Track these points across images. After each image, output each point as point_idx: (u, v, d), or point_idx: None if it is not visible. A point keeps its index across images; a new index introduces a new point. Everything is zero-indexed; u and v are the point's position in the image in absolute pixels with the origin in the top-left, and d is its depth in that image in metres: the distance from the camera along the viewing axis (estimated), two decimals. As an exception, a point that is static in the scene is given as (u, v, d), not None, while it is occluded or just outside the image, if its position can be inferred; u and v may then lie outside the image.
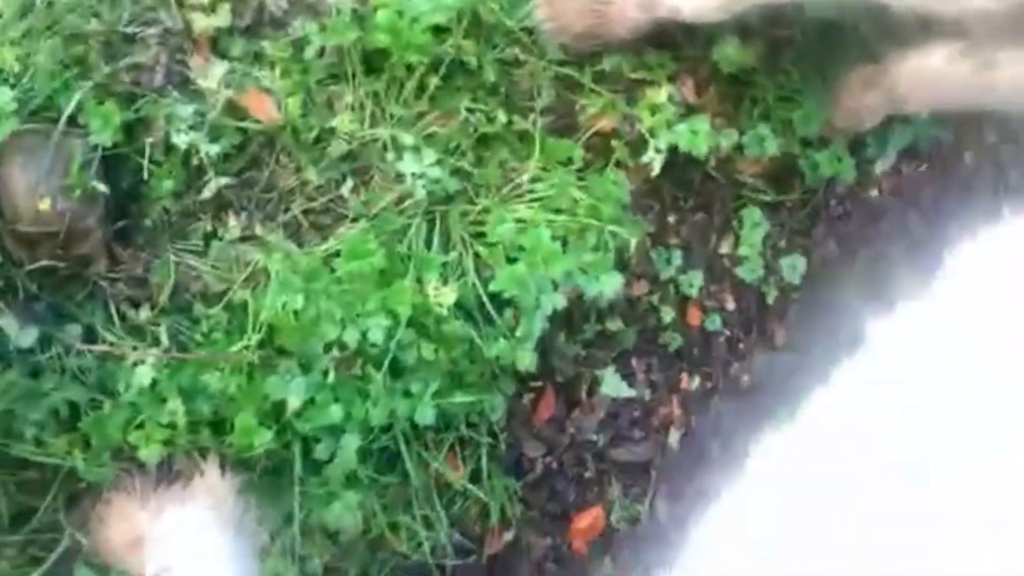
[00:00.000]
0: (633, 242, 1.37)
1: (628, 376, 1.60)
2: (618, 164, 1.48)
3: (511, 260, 1.38)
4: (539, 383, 1.56)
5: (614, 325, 1.57)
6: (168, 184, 1.21)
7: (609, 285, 1.35)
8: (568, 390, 1.59)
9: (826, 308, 1.67)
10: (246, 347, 1.31)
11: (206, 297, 1.34)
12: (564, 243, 1.36)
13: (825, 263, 1.66)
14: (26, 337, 1.20)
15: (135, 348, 1.27)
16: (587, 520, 1.63)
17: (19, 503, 1.26)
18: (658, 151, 1.47)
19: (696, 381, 1.65)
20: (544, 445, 1.59)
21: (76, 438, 1.23)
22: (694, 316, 1.63)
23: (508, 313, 1.37)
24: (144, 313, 1.30)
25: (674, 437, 1.65)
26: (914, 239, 1.73)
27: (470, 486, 1.46)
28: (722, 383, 1.66)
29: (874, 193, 1.70)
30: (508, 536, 1.59)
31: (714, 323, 1.64)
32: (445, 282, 1.38)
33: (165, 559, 1.15)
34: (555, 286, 1.34)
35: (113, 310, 1.28)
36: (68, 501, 1.28)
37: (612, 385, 1.59)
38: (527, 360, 1.37)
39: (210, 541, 1.17)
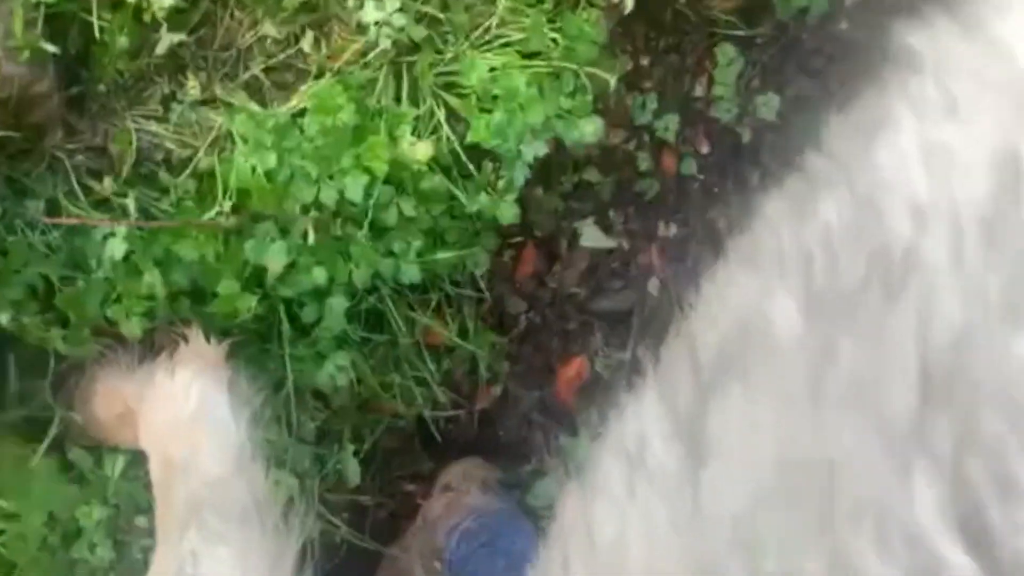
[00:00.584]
0: (612, 81, 1.33)
1: (606, 227, 1.60)
2: (590, 3, 1.43)
3: (485, 111, 1.34)
4: (519, 239, 1.55)
5: (591, 176, 1.55)
6: (121, 42, 1.13)
7: (589, 130, 1.31)
8: (548, 244, 1.58)
9: (800, 147, 1.66)
10: (219, 213, 1.27)
11: (171, 164, 1.28)
12: (540, 89, 1.32)
13: (798, 101, 1.65)
14: (-14, 214, 1.14)
15: (102, 220, 1.22)
16: (572, 370, 1.65)
17: (17, 386, 1.24)
18: (632, -12, 1.41)
19: (673, 228, 1.65)
20: (526, 300, 1.59)
21: (54, 317, 1.20)
22: (669, 162, 1.62)
23: (487, 166, 1.34)
24: (108, 184, 1.24)
25: (653, 284, 1.66)
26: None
27: (459, 341, 1.46)
28: (699, 229, 1.66)
29: (844, 26, 1.67)
30: (496, 390, 1.61)
31: (689, 168, 1.62)
32: (419, 137, 1.34)
33: (158, 425, 1.14)
34: (534, 134, 1.30)
35: (75, 182, 1.22)
36: (55, 381, 1.25)
37: (591, 237, 1.58)
38: (510, 213, 1.35)
39: (204, 402, 1.15)
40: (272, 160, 1.19)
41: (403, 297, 1.41)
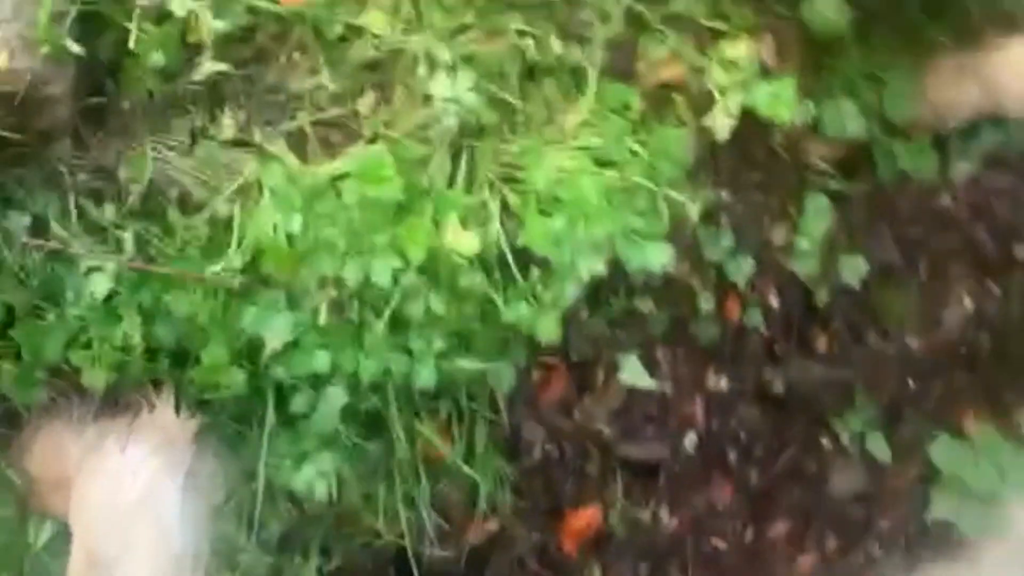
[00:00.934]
0: (694, 210, 1.18)
1: (650, 366, 1.42)
2: (680, 121, 1.29)
3: (545, 214, 1.18)
4: (551, 359, 1.37)
5: (645, 305, 1.38)
6: (156, 58, 1.00)
7: (656, 258, 1.15)
8: (582, 371, 1.40)
9: (877, 322, 1.50)
10: (225, 269, 1.11)
11: (185, 204, 1.13)
12: (610, 202, 1.16)
13: (883, 269, 1.48)
14: (-40, 219, 0.99)
15: (92, 251, 1.06)
16: (583, 519, 1.45)
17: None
18: (727, 113, 1.27)
19: (723, 381, 1.47)
20: (546, 429, 1.40)
21: (7, 349, 1.03)
22: (733, 308, 1.45)
23: (534, 274, 1.18)
24: (109, 211, 1.09)
25: (690, 440, 1.46)
26: (979, 257, 1.55)
27: (461, 464, 1.27)
28: (751, 388, 1.48)
29: (946, 201, 1.52)
30: (492, 526, 1.40)
31: (753, 319, 1.45)
32: (466, 227, 1.18)
33: (92, 505, 0.95)
34: (594, 249, 1.14)
35: (71, 203, 1.07)
36: (-8, 421, 1.07)
37: (632, 373, 1.40)
38: (550, 330, 1.17)
39: (152, 489, 0.97)
40: (298, 222, 1.03)
41: (409, 402, 1.23)
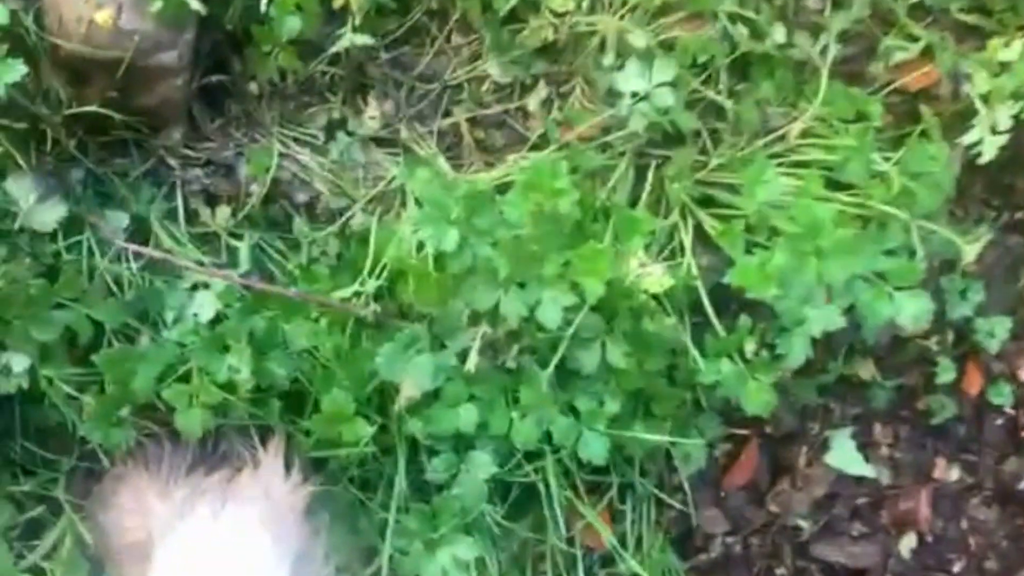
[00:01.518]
0: (971, 252, 0.89)
1: (867, 447, 1.12)
2: (923, 136, 1.01)
3: (758, 247, 0.92)
4: (742, 432, 1.10)
5: (866, 371, 1.09)
6: (292, 24, 0.80)
7: (910, 311, 0.87)
8: (780, 450, 1.12)
9: None
10: (357, 295, 0.89)
11: (313, 212, 0.93)
12: (853, 235, 0.89)
13: None
14: (46, 214, 0.80)
15: (201, 264, 0.86)
16: (765, 633, 1.16)
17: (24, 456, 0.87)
18: (994, 130, 0.98)
19: (954, 472, 1.16)
20: (730, 519, 1.12)
21: (89, 380, 0.83)
22: (975, 380, 1.14)
23: (744, 325, 0.91)
24: (223, 216, 0.89)
25: (907, 543, 1.15)
26: None
27: (626, 556, 1.00)
28: (989, 482, 1.16)
29: None
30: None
31: (1000, 395, 1.14)
32: (655, 258, 0.94)
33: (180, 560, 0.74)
34: (830, 296, 0.87)
35: (180, 203, 0.88)
36: (73, 467, 0.88)
37: (843, 455, 1.11)
38: (762, 400, 0.90)
39: (250, 565, 0.74)
40: (452, 240, 0.80)
41: (566, 475, 0.97)
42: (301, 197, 0.91)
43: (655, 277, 0.90)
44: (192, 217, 0.89)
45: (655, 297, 0.90)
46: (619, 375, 0.90)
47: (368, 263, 0.91)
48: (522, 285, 0.85)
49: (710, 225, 0.97)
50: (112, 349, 0.82)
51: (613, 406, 0.90)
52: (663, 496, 1.01)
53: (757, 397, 0.90)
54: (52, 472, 0.85)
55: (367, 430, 0.83)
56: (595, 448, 0.89)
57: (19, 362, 0.79)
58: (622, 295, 0.89)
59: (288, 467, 0.85)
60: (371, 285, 0.90)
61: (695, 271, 0.95)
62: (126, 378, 0.82)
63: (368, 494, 0.89)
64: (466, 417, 0.86)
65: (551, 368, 0.87)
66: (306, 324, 0.87)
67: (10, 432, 0.83)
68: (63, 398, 0.82)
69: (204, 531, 0.77)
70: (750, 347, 0.92)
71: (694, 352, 0.90)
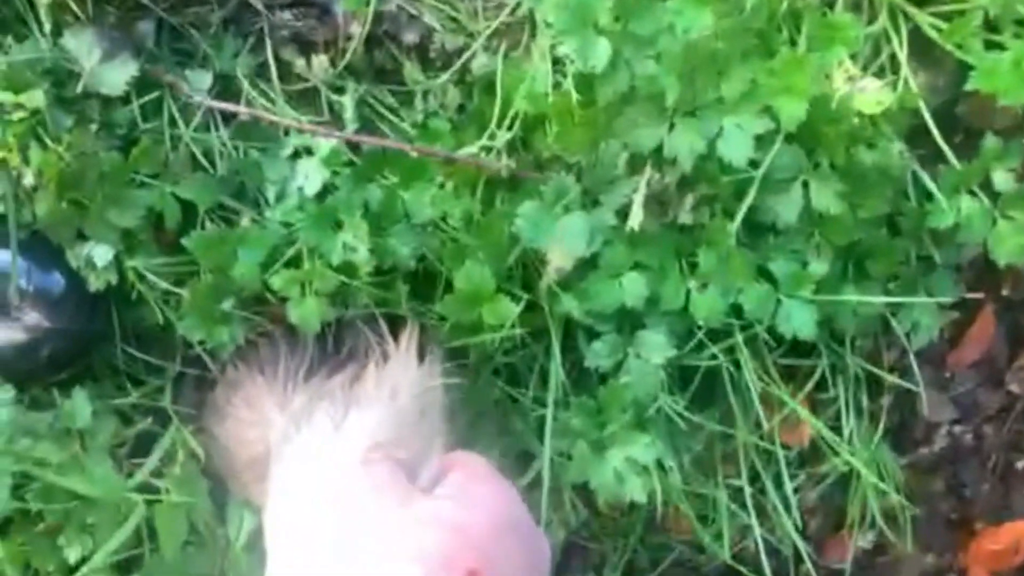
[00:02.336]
0: None
1: None
2: None
3: (990, 47, 0.69)
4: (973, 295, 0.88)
5: None
6: None
7: None
8: (1022, 316, 0.89)
9: None
10: (486, 149, 0.73)
11: (426, 55, 0.76)
12: None
13: None
14: (114, 74, 0.67)
15: (298, 124, 0.72)
16: (1003, 538, 0.95)
17: (127, 363, 0.76)
18: None
19: None
20: (958, 405, 0.91)
21: (187, 268, 0.71)
22: None
23: (988, 150, 0.69)
24: (319, 67, 0.74)
25: None
26: None
27: (838, 448, 0.82)
28: None
29: None
30: (866, 541, 0.94)
31: None
32: (864, 69, 0.72)
33: (293, 506, 0.62)
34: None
35: (269, 54, 0.73)
36: (179, 375, 0.77)
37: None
38: (1017, 245, 0.68)
39: (375, 480, 0.60)
40: (602, 54, 0.62)
41: (756, 356, 0.79)
42: (410, 37, 0.74)
43: (870, 93, 0.69)
44: (285, 72, 0.74)
45: (873, 120, 0.69)
46: (827, 225, 0.70)
47: (496, 112, 0.74)
48: (695, 113, 0.66)
49: (930, 25, 0.74)
50: (206, 231, 0.69)
51: (820, 267, 0.71)
52: (885, 375, 0.81)
53: (1010, 241, 0.69)
54: (158, 380, 0.74)
55: (512, 309, 0.67)
56: (800, 320, 0.70)
57: (102, 254, 0.67)
58: (828, 119, 0.68)
59: (421, 357, 0.71)
60: (501, 138, 0.73)
61: (915, 89, 0.73)
62: (226, 265, 0.69)
63: (519, 389, 0.74)
64: (631, 289, 0.69)
65: (738, 221, 0.68)
66: (430, 190, 0.72)
67: (109, 337, 0.72)
68: (157, 294, 0.70)
69: (323, 444, 0.64)
70: (1000, 176, 0.70)
71: (930, 185, 0.69)
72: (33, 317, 0.66)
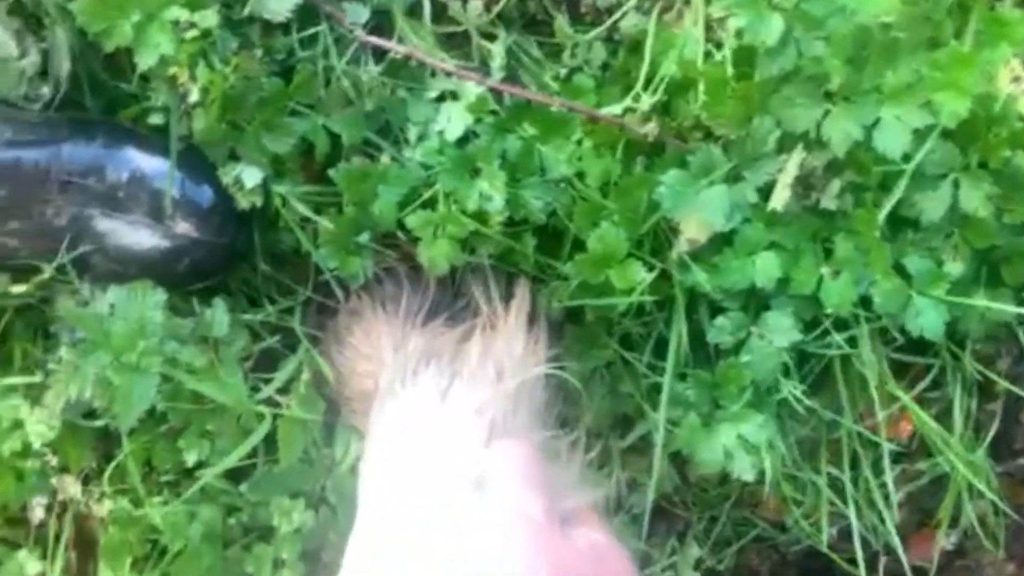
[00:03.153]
0: None
1: None
2: None
3: None
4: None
5: None
6: None
7: None
8: None
9: None
10: (629, 110, 0.72)
11: (577, 10, 0.75)
12: None
13: None
14: (278, 1, 0.68)
15: (447, 67, 0.72)
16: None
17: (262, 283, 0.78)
18: None
19: None
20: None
21: (328, 199, 0.73)
22: None
23: None
24: (474, 11, 0.74)
25: None
26: None
27: (947, 449, 0.81)
28: None
29: None
30: (949, 543, 0.94)
31: None
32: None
33: (393, 446, 0.63)
34: None
35: (426, -9, 0.74)
36: (307, 300, 0.79)
37: None
38: None
39: (467, 461, 0.61)
40: (775, 30, 0.61)
41: (875, 348, 0.78)
42: (564, -17, 0.74)
43: (1036, 95, 0.67)
44: (438, 13, 0.74)
45: (1032, 123, 0.67)
46: (969, 227, 0.69)
47: (642, 74, 0.73)
48: (852, 100, 0.64)
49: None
50: (352, 164, 0.70)
51: (955, 267, 0.70)
52: (1001, 382, 0.80)
53: None
54: (288, 301, 0.76)
55: (642, 275, 0.67)
56: (929, 319, 0.69)
57: (252, 176, 0.69)
58: (989, 120, 0.66)
59: (532, 314, 0.72)
60: (646, 101, 0.72)
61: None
62: (366, 199, 0.70)
63: (634, 354, 0.74)
64: (764, 269, 0.68)
65: (884, 212, 0.67)
66: (568, 146, 0.72)
67: (247, 256, 0.75)
68: (298, 220, 0.72)
69: (425, 410, 0.65)
70: None
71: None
72: (183, 227, 0.68)
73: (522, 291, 0.72)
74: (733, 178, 0.68)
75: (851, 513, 0.78)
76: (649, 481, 0.83)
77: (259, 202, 0.70)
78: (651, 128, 0.68)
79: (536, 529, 0.53)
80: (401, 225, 0.72)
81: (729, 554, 0.89)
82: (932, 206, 0.68)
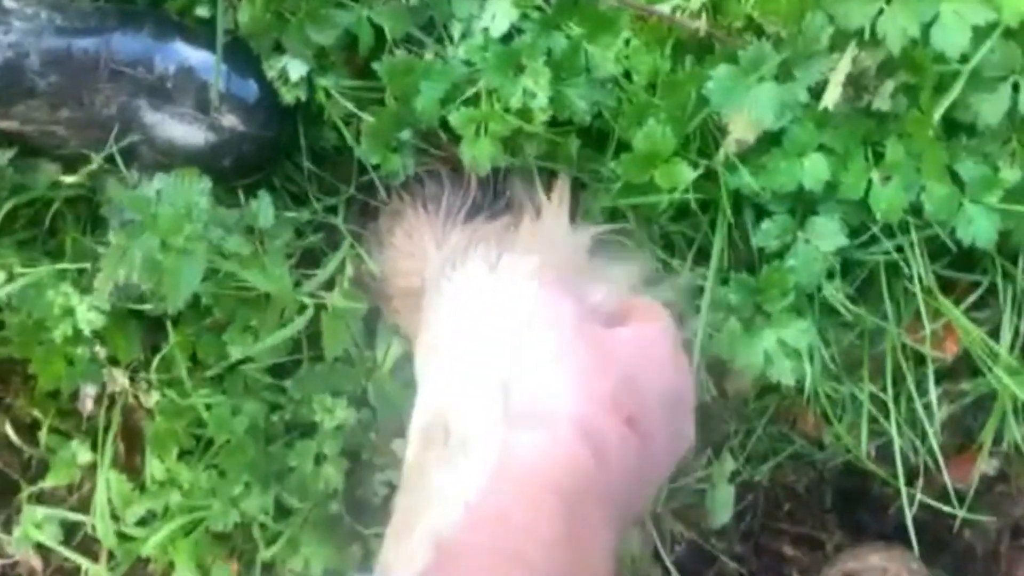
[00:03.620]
0: None
1: None
2: None
3: None
4: None
5: None
6: None
7: None
8: None
9: None
10: (679, 9, 0.71)
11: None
12: None
13: None
14: None
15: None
16: None
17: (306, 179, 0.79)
18: None
19: None
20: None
21: (371, 94, 0.72)
22: None
23: None
24: (523, -96, 0.73)
25: None
26: None
27: (995, 364, 0.79)
28: None
29: None
30: (990, 467, 0.93)
31: None
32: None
33: (443, 342, 0.64)
34: None
35: None
36: (350, 198, 0.79)
37: None
38: None
39: (528, 322, 0.62)
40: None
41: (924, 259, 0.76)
42: None
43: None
44: (487, -94, 0.73)
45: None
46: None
47: (694, -29, 0.71)
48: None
49: None
50: (395, 58, 0.70)
51: (1012, 174, 0.68)
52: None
53: None
54: (331, 199, 0.77)
55: (688, 174, 0.67)
56: (981, 227, 0.68)
57: (297, 68, 0.69)
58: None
59: (573, 216, 0.72)
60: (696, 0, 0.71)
61: None
62: (408, 94, 0.70)
63: (675, 259, 0.74)
64: (813, 171, 0.67)
65: (938, 115, 0.65)
66: (615, 45, 0.71)
67: (290, 152, 0.75)
68: (342, 115, 0.72)
69: (477, 283, 0.65)
70: None
71: None
72: (229, 119, 0.69)
73: (561, 183, 0.72)
74: (783, 76, 0.67)
75: (892, 430, 0.77)
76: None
77: (303, 96, 0.70)
78: (701, 24, 0.67)
79: (570, 320, 0.57)
80: (443, 125, 0.72)
81: (765, 469, 0.89)
82: (989, 109, 0.66)
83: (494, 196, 0.77)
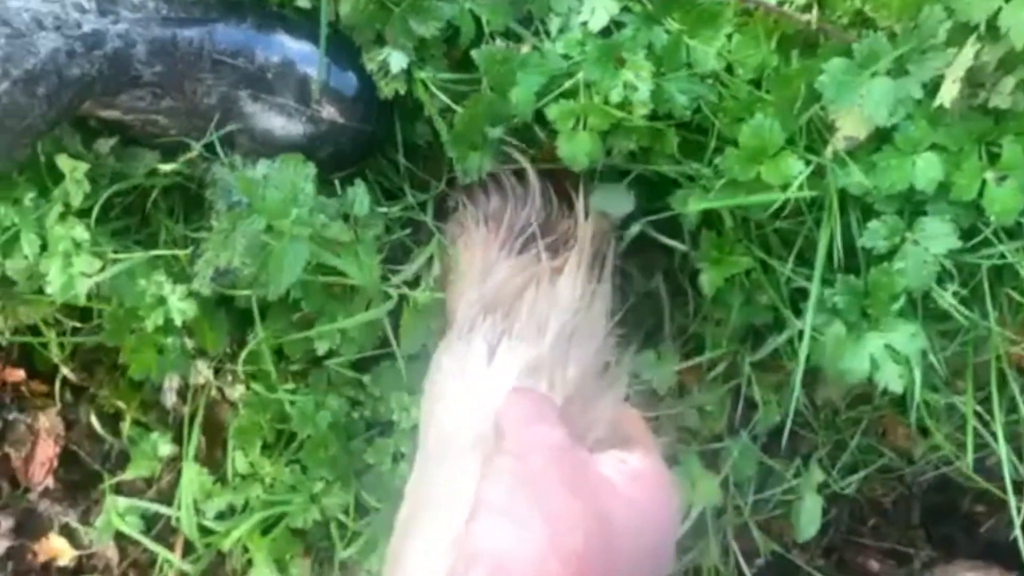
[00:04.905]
0: None
1: None
2: None
3: None
4: None
5: None
6: None
7: None
8: None
9: None
10: (788, 2, 0.69)
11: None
12: None
13: None
14: None
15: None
16: None
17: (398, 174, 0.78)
18: None
19: None
20: None
21: (467, 87, 0.72)
22: None
23: None
24: None
25: None
26: None
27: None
28: None
29: None
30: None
31: None
32: None
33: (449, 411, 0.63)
34: None
35: None
36: (441, 194, 0.79)
37: None
38: None
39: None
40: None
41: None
42: None
43: None
44: (589, -101, 0.72)
45: None
46: None
47: (801, -33, 0.70)
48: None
49: None
50: (493, 47, 0.69)
51: None
52: None
53: None
54: (422, 195, 0.76)
55: (797, 169, 0.65)
56: (1102, 228, 0.65)
57: (398, 61, 0.69)
58: None
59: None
60: (806, -7, 0.69)
61: None
62: (505, 85, 0.69)
63: (777, 260, 0.72)
64: (925, 170, 0.65)
65: (1060, 112, 0.63)
66: (717, 40, 0.69)
67: (384, 147, 0.75)
68: (437, 110, 0.71)
69: (470, 377, 0.63)
70: None
71: None
72: (328, 112, 0.68)
73: (591, 226, 0.70)
74: (896, 72, 0.65)
75: (1000, 445, 0.74)
76: (774, 400, 0.81)
77: (403, 89, 0.70)
78: (812, 17, 0.65)
79: (551, 455, 0.52)
80: (537, 120, 0.71)
81: (853, 481, 0.87)
82: (1115, 107, 0.63)
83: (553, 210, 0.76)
